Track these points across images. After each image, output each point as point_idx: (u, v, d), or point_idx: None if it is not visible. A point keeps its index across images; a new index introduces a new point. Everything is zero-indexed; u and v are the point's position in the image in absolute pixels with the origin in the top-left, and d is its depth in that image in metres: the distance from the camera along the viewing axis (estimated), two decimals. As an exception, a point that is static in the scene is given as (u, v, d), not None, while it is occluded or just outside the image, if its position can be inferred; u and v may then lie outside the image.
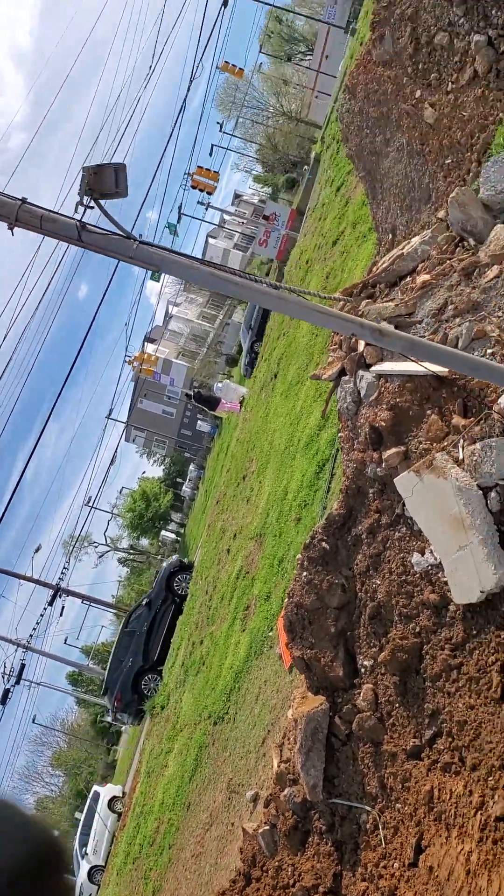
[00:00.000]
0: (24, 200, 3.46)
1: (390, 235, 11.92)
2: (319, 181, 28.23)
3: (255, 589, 12.22)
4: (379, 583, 5.76)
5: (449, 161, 9.78)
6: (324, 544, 6.13)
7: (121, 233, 3.56)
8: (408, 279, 6.42)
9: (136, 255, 3.55)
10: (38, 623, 34.51)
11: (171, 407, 73.01)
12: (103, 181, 3.47)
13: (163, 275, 43.07)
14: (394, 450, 5.53)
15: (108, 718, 28.46)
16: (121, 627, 24.95)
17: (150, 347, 65.80)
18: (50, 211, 3.50)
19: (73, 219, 3.52)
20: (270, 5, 66.45)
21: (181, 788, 12.60)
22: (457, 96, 9.51)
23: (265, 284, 3.57)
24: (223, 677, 12.20)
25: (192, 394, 28.94)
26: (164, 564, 26.98)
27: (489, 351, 5.06)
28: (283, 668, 9.20)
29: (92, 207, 3.52)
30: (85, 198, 3.48)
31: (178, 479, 75.27)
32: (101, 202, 3.50)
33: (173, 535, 70.88)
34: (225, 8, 38.85)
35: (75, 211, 3.52)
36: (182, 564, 24.15)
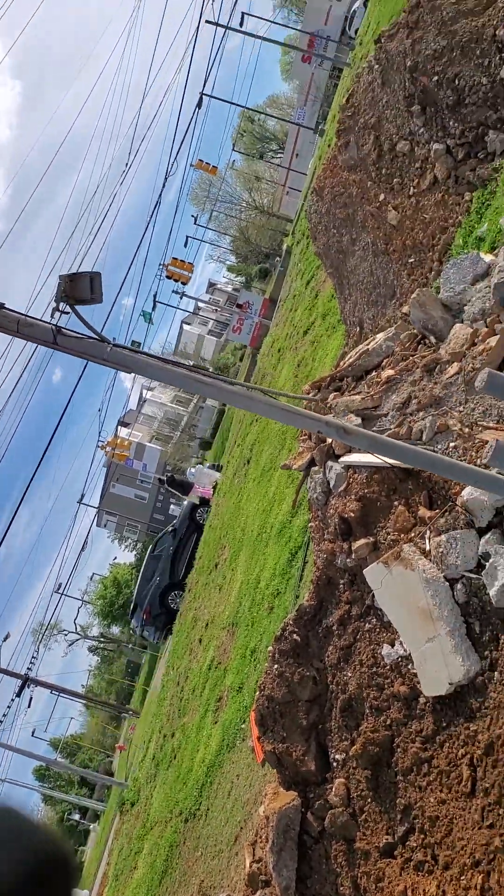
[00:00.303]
0: (2, 306, 3.60)
1: (358, 328, 12.33)
2: (291, 273, 29.14)
3: (227, 680, 12.05)
4: (350, 675, 5.76)
5: (412, 260, 10.24)
6: (295, 636, 6.14)
7: (95, 336, 3.71)
8: (373, 374, 6.64)
9: (109, 358, 3.69)
10: (4, 715, 33.42)
11: (144, 491, 72.81)
12: (79, 288, 3.63)
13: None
14: (363, 541, 5.62)
15: (136, 632, 30.61)
16: (148, 553, 27.86)
17: (123, 431, 66.03)
18: (27, 316, 3.64)
19: (50, 323, 3.66)
20: (243, 107, 69.50)
21: (151, 892, 12.11)
22: (418, 200, 10.03)
23: (234, 385, 3.71)
24: (195, 771, 11.90)
25: (165, 479, 29.00)
26: (186, 502, 29.82)
27: (452, 444, 5.23)
28: (256, 761, 9.03)
29: (68, 313, 3.67)
30: (61, 304, 3.64)
31: (151, 565, 74.41)
32: (77, 308, 3.66)
33: (145, 622, 69.58)
34: (199, 109, 40.73)
35: (52, 316, 3.67)
36: (203, 500, 27.24)
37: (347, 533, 5.82)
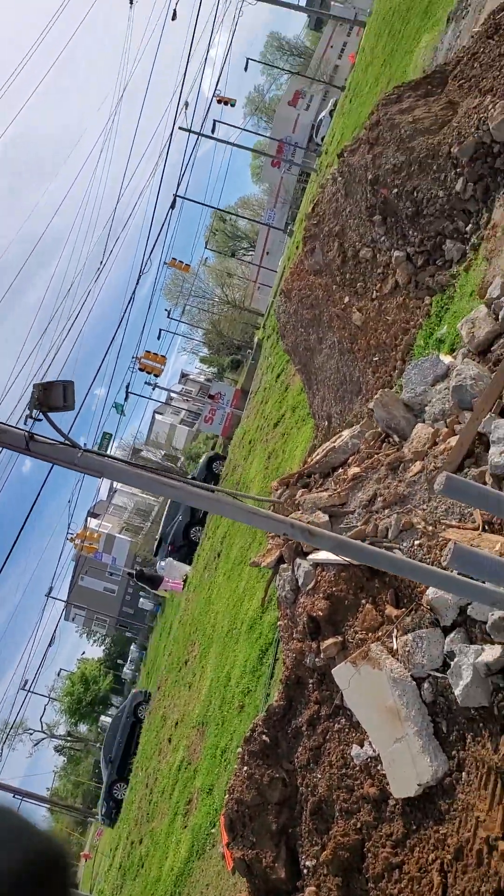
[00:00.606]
0: (-24, 413, 3.72)
1: (326, 422, 12.60)
2: (261, 366, 29.75)
3: (197, 781, 11.72)
4: (320, 776, 5.69)
5: (376, 358, 10.59)
6: (264, 737, 6.08)
7: (66, 442, 3.82)
8: (340, 470, 6.80)
9: (80, 463, 3.79)
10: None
11: (113, 584, 71.79)
12: (52, 396, 3.76)
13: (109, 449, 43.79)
14: (331, 640, 5.65)
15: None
16: (167, 507, 33.00)
17: (93, 522, 65.52)
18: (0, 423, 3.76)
19: (22, 430, 3.77)
20: (215, 208, 71.98)
21: None
22: (381, 303, 10.45)
23: (201, 488, 3.83)
24: (163, 881, 11.43)
25: (134, 572, 28.75)
26: (203, 458, 34.61)
27: (416, 542, 5.35)
28: (227, 868, 8.73)
29: (41, 420, 3.79)
30: (34, 411, 3.76)
31: (119, 661, 72.72)
32: (50, 415, 3.78)
33: (114, 720, 67.49)
34: (172, 210, 42.22)
35: (24, 423, 3.78)
36: (217, 456, 32.23)
37: (316, 632, 5.85)
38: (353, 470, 6.36)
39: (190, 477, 29.77)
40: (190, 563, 27.50)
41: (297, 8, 46.45)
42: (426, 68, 15.91)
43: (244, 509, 3.84)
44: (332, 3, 59.32)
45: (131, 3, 34.70)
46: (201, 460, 34.00)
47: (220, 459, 31.25)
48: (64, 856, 1.21)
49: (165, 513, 32.86)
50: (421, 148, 9.71)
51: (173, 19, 33.75)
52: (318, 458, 7.07)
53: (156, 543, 33.22)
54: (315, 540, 3.82)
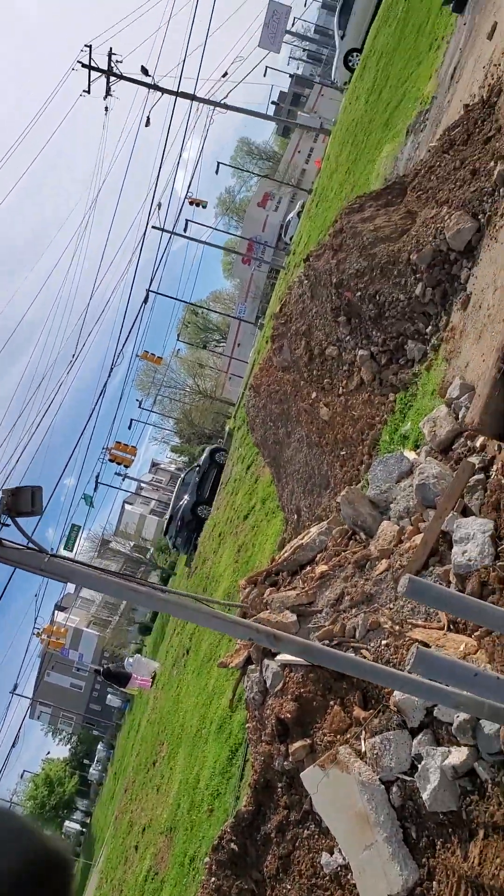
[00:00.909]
0: None
1: (295, 516, 12.69)
2: (232, 457, 29.95)
3: (164, 893, 11.22)
4: (289, 887, 5.53)
5: (343, 453, 10.79)
6: (232, 845, 5.91)
7: (34, 547, 3.86)
8: (308, 568, 6.85)
9: (46, 568, 3.82)
10: None
11: (80, 680, 69.82)
12: (21, 502, 3.82)
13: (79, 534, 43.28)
14: (300, 743, 5.59)
15: (171, 542, 37.63)
16: (178, 483, 37.52)
17: (60, 616, 64.21)
18: (-32, 529, 3.79)
19: (-10, 535, 3.81)
20: (187, 303, 73.61)
21: None
22: (347, 399, 10.72)
23: (167, 593, 3.86)
24: None
25: (101, 669, 28.04)
26: (207, 448, 38.75)
27: (384, 642, 5.37)
28: None
29: (8, 525, 3.83)
30: (2, 516, 3.81)
31: (86, 761, 70.05)
32: (18, 520, 3.83)
33: (78, 827, 64.49)
34: (145, 304, 43.16)
35: (-8, 528, 3.82)
36: (220, 447, 36.43)
37: (284, 734, 5.79)
38: (321, 568, 6.41)
39: (196, 464, 36.63)
40: (194, 548, 30.51)
41: (265, 117, 48.84)
42: (387, 177, 16.77)
43: (210, 614, 3.87)
44: (299, 112, 62.61)
45: (106, 110, 36.27)
46: (205, 452, 37.20)
47: (222, 451, 34.87)
48: (64, 857, 1.20)
49: (174, 494, 37.29)
50: (382, 254, 10.14)
51: (147, 125, 35.32)
52: (286, 555, 7.12)
53: (166, 521, 37.37)
54: (280, 645, 3.85)
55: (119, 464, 39.72)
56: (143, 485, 71.32)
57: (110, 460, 38.91)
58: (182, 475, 38.96)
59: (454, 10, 14.54)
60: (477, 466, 5.71)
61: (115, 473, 45.81)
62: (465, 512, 5.51)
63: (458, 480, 5.55)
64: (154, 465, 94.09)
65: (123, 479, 50.00)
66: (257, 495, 17.68)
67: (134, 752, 22.79)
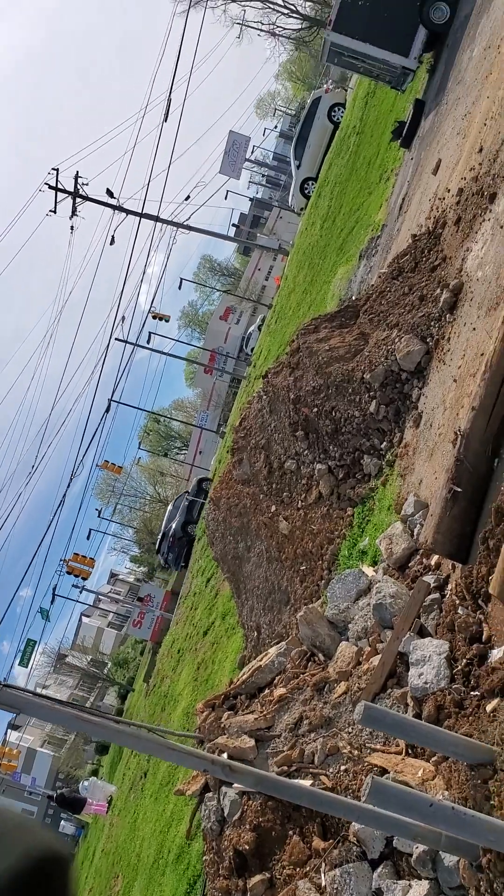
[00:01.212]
0: None
1: (255, 633, 12.55)
2: (192, 569, 29.68)
3: None
4: None
5: (303, 567, 10.81)
6: None
7: (-15, 678, 3.80)
8: (266, 691, 6.76)
9: (0, 700, 3.75)
10: None
11: (33, 805, 66.14)
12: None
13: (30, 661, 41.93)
14: (258, 877, 5.38)
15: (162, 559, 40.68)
16: (170, 507, 41.01)
17: (13, 735, 61.45)
18: None
19: None
20: (148, 412, 74.33)
21: None
22: (306, 512, 10.84)
23: (121, 724, 3.79)
24: None
25: (54, 795, 26.69)
26: (195, 479, 43.54)
27: (342, 767, 5.28)
28: None
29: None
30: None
31: None
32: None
33: None
34: (107, 413, 43.55)
35: None
36: (206, 477, 40.32)
37: (243, 867, 5.57)
38: (279, 691, 6.34)
39: (185, 492, 40.90)
40: (186, 564, 32.74)
41: (226, 238, 50.97)
42: (342, 298, 17.51)
43: (164, 745, 3.81)
44: (259, 234, 65.50)
45: (72, 229, 37.54)
46: (193, 482, 41.83)
47: (208, 480, 37.42)
48: (65, 855, 1.19)
49: (166, 517, 40.68)
50: (337, 373, 10.49)
51: (111, 244, 36.57)
52: (244, 677, 7.03)
53: (158, 538, 40.68)
54: (235, 776, 3.79)
55: (77, 576, 39.05)
56: (101, 597, 69.90)
57: (68, 572, 38.25)
58: (173, 501, 43.52)
59: (402, 146, 15.63)
60: (432, 585, 5.78)
61: (73, 585, 44.94)
62: (422, 632, 5.55)
63: (414, 601, 5.61)
64: (113, 576, 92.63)
65: (81, 592, 49.01)
66: (217, 610, 17.48)
67: (87, 886, 21.48)
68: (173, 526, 37.23)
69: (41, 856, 1.14)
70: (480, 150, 8.69)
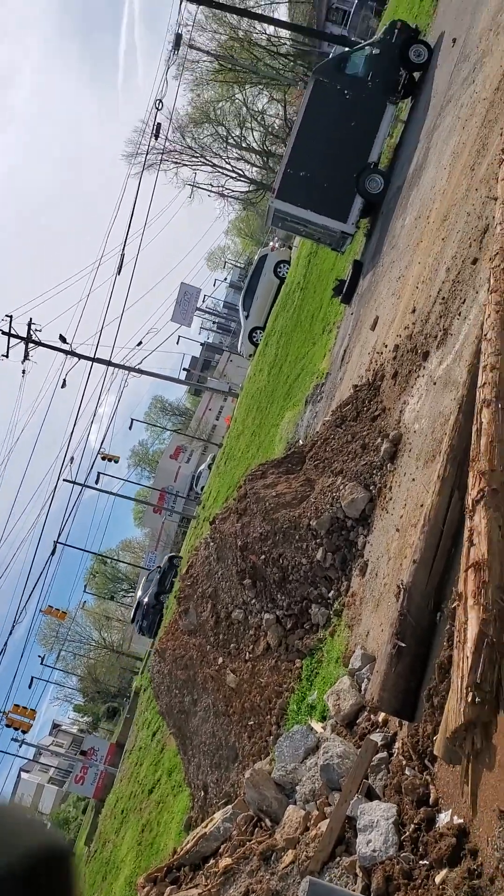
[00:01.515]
0: None
1: (202, 792, 11.95)
2: (137, 721, 28.48)
3: None
4: None
5: (251, 722, 10.46)
6: None
7: None
8: (211, 861, 6.38)
9: None
10: None
11: None
12: None
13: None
14: None
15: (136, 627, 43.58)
16: (143, 579, 46.01)
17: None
18: None
19: None
20: (96, 554, 73.20)
21: None
22: (254, 664, 10.60)
23: None
24: None
25: None
26: (166, 555, 48.37)
27: None
28: None
29: None
30: None
31: None
32: None
33: None
34: (52, 556, 42.71)
35: None
36: (176, 554, 45.29)
37: None
38: (225, 861, 5.99)
39: (157, 568, 44.84)
40: (156, 632, 33.53)
41: (177, 381, 52.15)
42: (289, 441, 17.91)
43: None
44: (209, 377, 67.31)
45: (23, 373, 38.10)
46: (164, 560, 45.20)
47: (178, 557, 40.64)
48: (66, 852, 1.19)
49: (140, 588, 44.34)
50: (284, 519, 10.58)
51: (63, 387, 37.13)
52: (188, 846, 6.64)
53: (134, 609, 43.76)
54: None
55: (17, 729, 37.04)
56: (42, 750, 66.11)
57: (7, 725, 36.28)
58: (146, 575, 46.75)
59: (342, 301, 16.53)
60: (380, 744, 5.66)
61: (12, 739, 42.49)
62: (370, 794, 5.37)
63: (361, 761, 5.47)
64: (55, 726, 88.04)
65: (21, 746, 46.34)
66: (163, 766, 16.67)
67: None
68: (146, 598, 40.62)
69: (44, 852, 1.15)
70: (413, 310, 9.22)
